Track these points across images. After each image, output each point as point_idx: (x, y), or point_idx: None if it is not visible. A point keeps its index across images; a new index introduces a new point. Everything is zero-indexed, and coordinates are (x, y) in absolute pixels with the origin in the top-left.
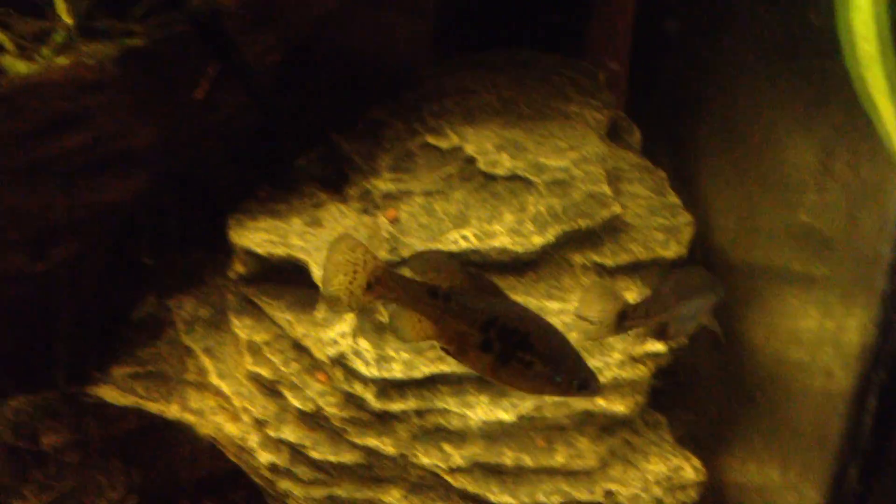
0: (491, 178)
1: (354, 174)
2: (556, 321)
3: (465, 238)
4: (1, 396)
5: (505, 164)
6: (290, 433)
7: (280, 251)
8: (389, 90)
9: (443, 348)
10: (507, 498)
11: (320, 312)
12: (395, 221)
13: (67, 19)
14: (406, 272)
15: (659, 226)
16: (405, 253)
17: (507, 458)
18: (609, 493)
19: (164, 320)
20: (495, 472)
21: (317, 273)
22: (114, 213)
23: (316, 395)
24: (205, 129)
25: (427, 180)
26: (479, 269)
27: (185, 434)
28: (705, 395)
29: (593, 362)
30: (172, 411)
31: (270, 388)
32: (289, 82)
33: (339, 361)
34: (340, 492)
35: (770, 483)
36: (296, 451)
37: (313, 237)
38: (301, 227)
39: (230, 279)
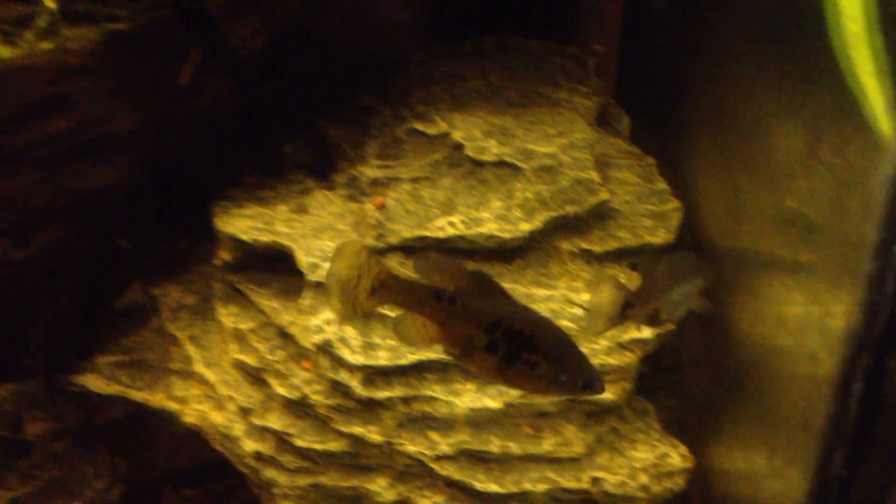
0: (479, 164)
1: (341, 161)
2: (543, 308)
3: (452, 224)
4: None
5: (493, 150)
6: (275, 421)
7: (265, 238)
8: (377, 76)
9: (447, 351)
10: (493, 486)
11: (306, 300)
12: (381, 208)
13: (51, 4)
14: (402, 272)
15: (647, 212)
16: (392, 240)
17: (494, 445)
18: (596, 481)
19: (148, 308)
20: (482, 459)
21: (302, 260)
22: (98, 199)
23: (301, 382)
24: (189, 115)
25: (414, 167)
26: (466, 255)
27: (170, 422)
28: (689, 379)
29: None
30: (157, 400)
31: (256, 376)
32: (274, 67)
33: (325, 349)
34: (326, 480)
35: (756, 469)
36: (281, 440)
37: (299, 224)
38: (287, 213)
39: (215, 266)
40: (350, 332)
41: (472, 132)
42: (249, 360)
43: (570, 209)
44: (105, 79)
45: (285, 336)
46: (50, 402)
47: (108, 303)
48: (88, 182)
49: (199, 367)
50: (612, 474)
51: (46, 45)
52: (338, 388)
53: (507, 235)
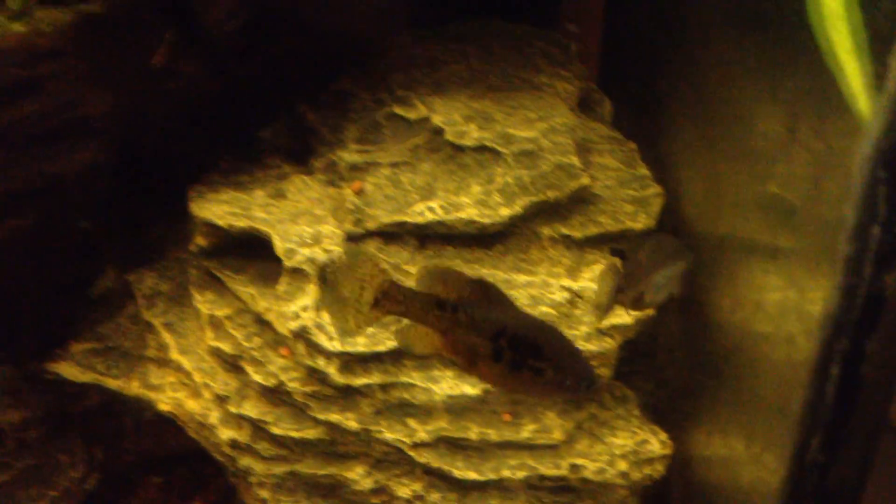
0: (459, 149)
1: (320, 145)
2: (523, 294)
3: (431, 210)
4: None
5: (473, 134)
6: (251, 409)
7: (242, 223)
8: (357, 59)
9: (451, 361)
10: (471, 473)
11: (282, 286)
12: (360, 193)
13: None
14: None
15: (628, 197)
16: (370, 225)
17: (473, 432)
18: (575, 468)
19: (124, 295)
20: (460, 446)
21: (280, 246)
22: (69, 184)
23: (278, 369)
24: (164, 98)
25: (394, 151)
26: (446, 240)
27: (147, 410)
28: (666, 365)
29: None
30: (132, 388)
31: (232, 364)
32: (251, 50)
33: (302, 335)
34: (303, 468)
35: (735, 455)
36: (257, 427)
37: (277, 209)
38: (264, 199)
39: (191, 252)
40: (327, 318)
41: (452, 116)
42: (225, 347)
43: (551, 194)
44: (77, 61)
45: (262, 323)
46: (24, 391)
47: (82, 289)
48: (60, 166)
49: (175, 355)
50: (591, 461)
51: (18, 28)
52: (315, 374)
53: (486, 221)
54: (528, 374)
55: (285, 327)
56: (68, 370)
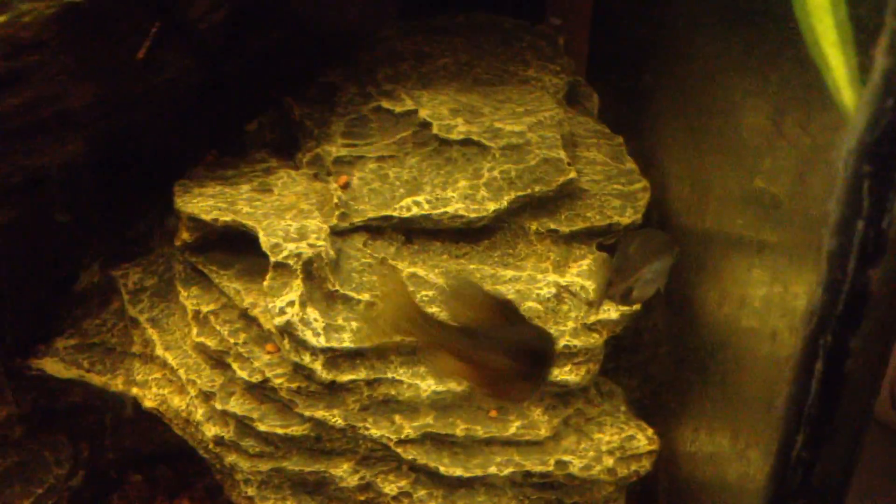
0: (446, 142)
1: (306, 139)
2: (510, 289)
3: (417, 204)
4: None
5: (460, 128)
6: (236, 405)
7: (227, 218)
8: (343, 53)
9: (475, 389)
10: (458, 469)
11: (268, 281)
12: (346, 187)
13: None
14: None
15: (615, 192)
16: (356, 219)
17: (459, 429)
18: (561, 464)
19: (108, 290)
20: (447, 443)
21: (265, 240)
22: (52, 178)
23: (264, 365)
24: (148, 91)
25: (380, 145)
26: (432, 235)
27: (132, 407)
28: (650, 360)
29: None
30: (117, 384)
31: (217, 360)
32: (236, 43)
33: (287, 331)
34: (289, 465)
35: (721, 451)
36: (243, 424)
37: (262, 204)
38: (250, 193)
39: (177, 247)
40: (313, 313)
41: (439, 110)
42: (211, 342)
43: (538, 188)
44: (60, 53)
45: (248, 318)
46: (8, 387)
47: (66, 284)
48: (42, 160)
49: (160, 351)
50: (577, 457)
51: (0, 19)
52: (301, 371)
53: (473, 215)
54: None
55: (271, 323)
56: (52, 366)
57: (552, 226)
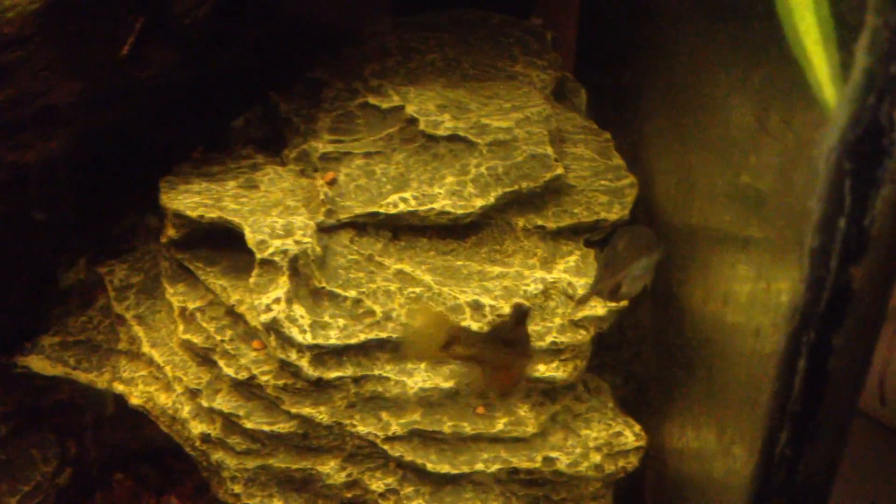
0: (433, 139)
1: (292, 135)
2: (497, 285)
3: (404, 200)
4: None
5: (447, 124)
6: (223, 402)
7: (213, 214)
8: (330, 48)
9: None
10: (445, 466)
11: (254, 278)
12: (332, 183)
13: None
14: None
15: (602, 188)
16: (343, 216)
17: (446, 425)
18: (548, 460)
19: (94, 287)
20: (434, 439)
21: (251, 237)
22: (37, 174)
23: (250, 362)
24: (133, 87)
25: (367, 141)
26: (419, 232)
27: (119, 404)
28: (635, 357)
29: (534, 327)
30: (103, 381)
31: (204, 357)
32: (222, 38)
33: (273, 328)
34: (275, 462)
35: (707, 448)
36: (229, 421)
37: (248, 200)
38: (236, 189)
39: (163, 244)
40: (299, 310)
41: (426, 106)
42: (197, 339)
43: (525, 185)
44: (43, 49)
45: (234, 315)
46: None
47: (51, 282)
48: (27, 156)
49: (146, 348)
50: (565, 454)
51: None
52: (287, 368)
53: (460, 211)
54: None
55: (257, 320)
56: (38, 364)
57: (539, 222)
